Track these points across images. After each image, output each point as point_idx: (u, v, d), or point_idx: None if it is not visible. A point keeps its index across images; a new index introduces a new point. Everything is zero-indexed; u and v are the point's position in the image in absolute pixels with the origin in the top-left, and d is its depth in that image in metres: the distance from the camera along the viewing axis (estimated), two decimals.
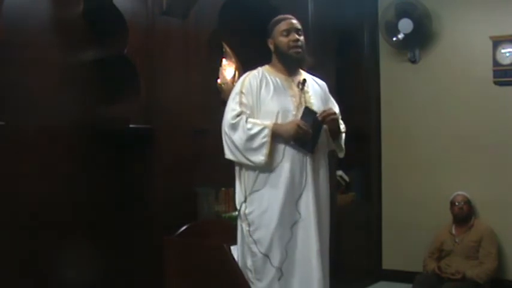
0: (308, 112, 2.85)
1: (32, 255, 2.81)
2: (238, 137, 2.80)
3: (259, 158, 2.78)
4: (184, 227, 3.16)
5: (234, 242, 2.96)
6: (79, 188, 3.05)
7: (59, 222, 2.93)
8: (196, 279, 3.01)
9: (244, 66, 3.85)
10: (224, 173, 3.17)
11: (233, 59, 4.01)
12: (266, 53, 3.07)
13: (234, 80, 3.93)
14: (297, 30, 2.95)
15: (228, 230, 3.18)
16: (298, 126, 2.78)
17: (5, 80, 2.72)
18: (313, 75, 3.12)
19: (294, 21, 2.98)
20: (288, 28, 2.94)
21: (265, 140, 2.78)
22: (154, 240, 3.10)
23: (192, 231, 3.18)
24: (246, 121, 2.81)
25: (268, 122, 2.82)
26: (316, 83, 3.09)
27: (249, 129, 2.79)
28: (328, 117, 2.87)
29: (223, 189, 3.62)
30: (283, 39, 2.93)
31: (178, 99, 3.30)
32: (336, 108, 3.12)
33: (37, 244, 2.83)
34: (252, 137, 2.79)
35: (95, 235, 3.10)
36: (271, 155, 2.79)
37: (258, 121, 2.83)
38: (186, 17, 3.34)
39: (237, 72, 3.99)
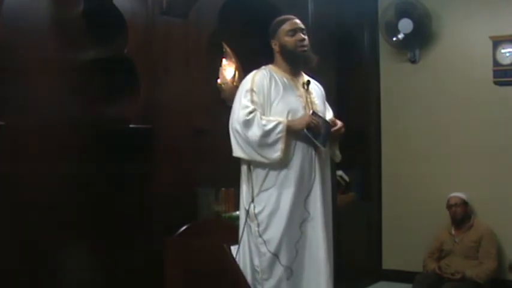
0: (315, 115, 2.88)
1: (31, 255, 2.81)
2: (253, 133, 2.79)
3: (275, 154, 2.78)
4: (184, 227, 3.16)
5: (234, 242, 2.96)
6: (79, 187, 3.05)
7: (58, 221, 2.93)
8: (196, 279, 3.01)
9: (244, 66, 3.86)
10: (224, 173, 3.18)
11: (233, 59, 4.01)
12: (266, 53, 3.07)
13: (234, 80, 3.93)
14: (301, 30, 2.97)
15: (228, 230, 3.18)
16: (311, 117, 2.82)
17: (5, 80, 2.71)
18: (313, 74, 3.13)
19: (298, 21, 3.00)
20: (294, 28, 2.96)
21: (280, 135, 2.78)
22: (154, 240, 3.10)
23: (192, 231, 3.18)
24: (260, 118, 2.81)
25: (282, 118, 2.83)
26: (316, 85, 3.12)
27: (264, 125, 2.78)
28: (338, 132, 2.94)
29: (223, 189, 3.62)
30: (289, 39, 2.94)
31: (178, 99, 3.30)
32: (331, 113, 3.15)
33: (37, 244, 2.83)
34: (267, 133, 2.78)
35: (95, 235, 3.10)
36: (286, 150, 2.80)
37: (271, 117, 2.83)
38: (186, 17, 3.34)
39: (237, 72, 3.99)
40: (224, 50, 3.98)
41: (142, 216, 3.15)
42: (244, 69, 3.84)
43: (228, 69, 3.99)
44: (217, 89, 3.92)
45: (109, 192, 3.16)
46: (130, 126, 3.04)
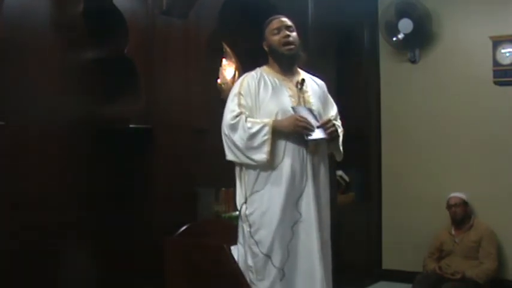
0: (298, 110, 2.85)
1: (31, 255, 2.81)
2: (239, 136, 2.80)
3: (261, 156, 2.78)
4: (184, 227, 3.16)
5: (234, 242, 2.96)
6: (79, 187, 3.05)
7: (58, 221, 2.93)
8: (196, 279, 3.01)
9: (244, 66, 3.85)
10: (224, 173, 3.17)
11: (233, 59, 4.02)
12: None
13: (234, 80, 3.93)
14: (287, 27, 2.97)
15: (228, 230, 3.18)
16: (297, 119, 2.79)
17: (5, 80, 2.71)
18: (313, 74, 3.12)
19: (284, 19, 3.00)
20: (279, 26, 2.96)
21: (266, 137, 2.78)
22: (154, 240, 3.10)
23: (192, 231, 3.18)
24: (246, 120, 2.82)
25: (268, 120, 2.82)
26: (315, 82, 3.09)
27: (249, 128, 2.79)
28: (327, 130, 2.88)
29: (223, 189, 3.62)
30: (274, 38, 2.95)
31: (178, 99, 3.30)
32: (335, 109, 3.13)
33: (37, 243, 2.83)
34: (252, 136, 2.79)
35: (95, 235, 3.10)
36: (272, 152, 2.80)
37: (257, 120, 2.83)
38: (186, 17, 3.34)
39: (237, 72, 3.99)
40: (224, 50, 3.98)
41: (143, 216, 3.15)
42: (244, 69, 3.83)
43: (228, 69, 3.99)
44: (217, 89, 3.92)
45: (109, 192, 3.16)
46: (130, 126, 3.04)
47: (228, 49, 4.00)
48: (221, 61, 3.96)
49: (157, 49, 3.20)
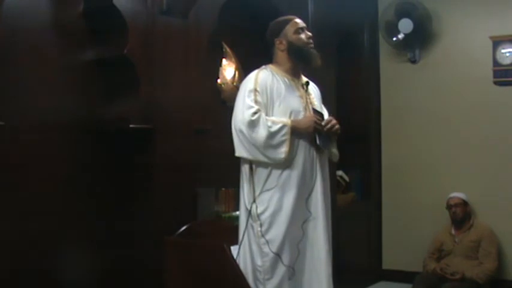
0: (316, 113, 2.91)
1: (31, 255, 2.81)
2: (259, 134, 2.78)
3: (279, 156, 2.79)
4: (184, 227, 3.16)
5: (234, 242, 2.95)
6: (79, 188, 3.05)
7: (58, 221, 2.93)
8: (196, 279, 3.01)
9: (244, 66, 3.86)
10: (224, 173, 3.17)
11: (233, 59, 4.02)
12: (266, 53, 3.07)
13: (234, 80, 3.93)
14: (307, 28, 3.01)
15: (228, 230, 3.18)
16: (315, 122, 2.84)
17: (5, 80, 2.72)
18: (311, 78, 3.13)
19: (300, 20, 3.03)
20: (302, 26, 2.99)
21: (285, 138, 2.79)
22: (154, 240, 3.10)
23: (192, 231, 3.18)
24: (265, 118, 2.81)
25: (286, 120, 2.84)
26: (314, 86, 3.14)
27: (270, 126, 2.78)
28: (334, 127, 2.93)
29: (223, 189, 3.62)
30: (299, 36, 2.95)
31: (178, 99, 3.30)
32: (326, 114, 3.15)
33: (37, 243, 2.83)
34: (273, 135, 2.78)
35: (95, 235, 3.10)
36: (290, 152, 2.81)
37: (275, 118, 2.83)
38: (186, 17, 3.34)
39: (237, 72, 3.99)
40: (224, 50, 3.98)
41: (143, 216, 3.15)
42: (244, 69, 3.84)
43: (228, 69, 3.99)
44: (217, 89, 3.92)
45: (109, 192, 3.16)
46: (130, 126, 3.04)
47: (228, 49, 4.00)
48: (221, 61, 3.96)
49: (157, 49, 3.20)
